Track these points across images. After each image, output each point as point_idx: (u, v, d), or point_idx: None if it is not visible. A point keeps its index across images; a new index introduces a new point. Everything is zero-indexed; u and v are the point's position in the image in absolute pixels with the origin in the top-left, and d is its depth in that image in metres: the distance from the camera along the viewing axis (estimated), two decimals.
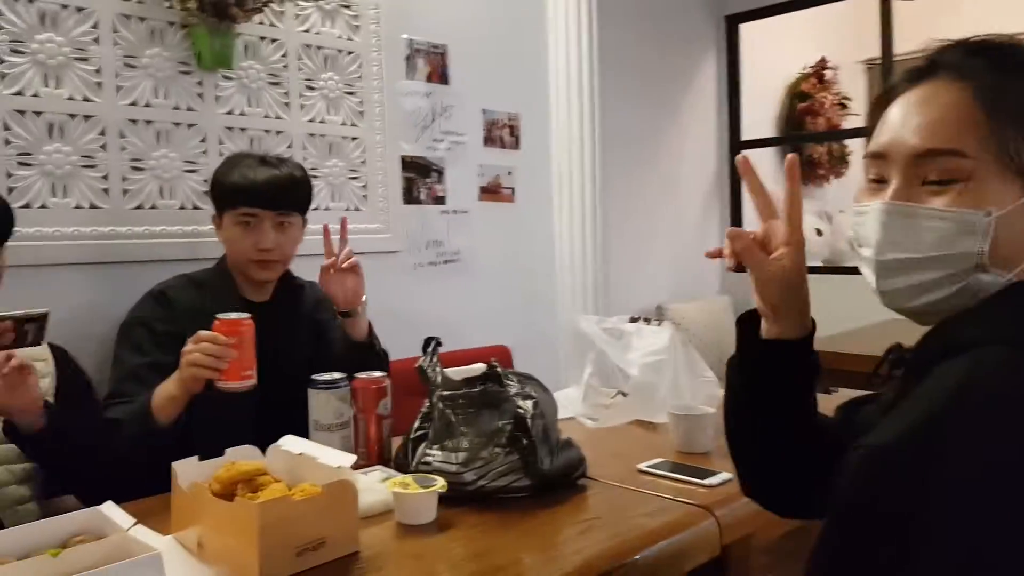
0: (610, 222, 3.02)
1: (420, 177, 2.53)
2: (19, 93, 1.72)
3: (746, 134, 3.85)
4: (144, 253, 1.90)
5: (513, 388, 1.34)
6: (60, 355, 1.49)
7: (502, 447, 1.27)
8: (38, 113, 1.75)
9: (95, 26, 1.83)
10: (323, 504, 1.05)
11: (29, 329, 1.16)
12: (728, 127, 3.84)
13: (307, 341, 1.78)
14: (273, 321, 1.68)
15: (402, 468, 1.36)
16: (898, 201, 0.75)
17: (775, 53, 4.10)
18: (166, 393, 1.41)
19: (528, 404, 1.30)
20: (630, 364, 1.72)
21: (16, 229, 1.40)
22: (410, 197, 2.50)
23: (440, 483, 1.20)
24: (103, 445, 1.37)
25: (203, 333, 1.34)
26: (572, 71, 2.87)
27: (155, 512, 1.19)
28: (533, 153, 2.86)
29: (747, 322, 0.93)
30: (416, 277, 2.52)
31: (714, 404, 1.71)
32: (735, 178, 3.82)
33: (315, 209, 2.09)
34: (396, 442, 1.47)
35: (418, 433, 1.37)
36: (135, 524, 1.01)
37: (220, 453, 1.21)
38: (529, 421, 1.28)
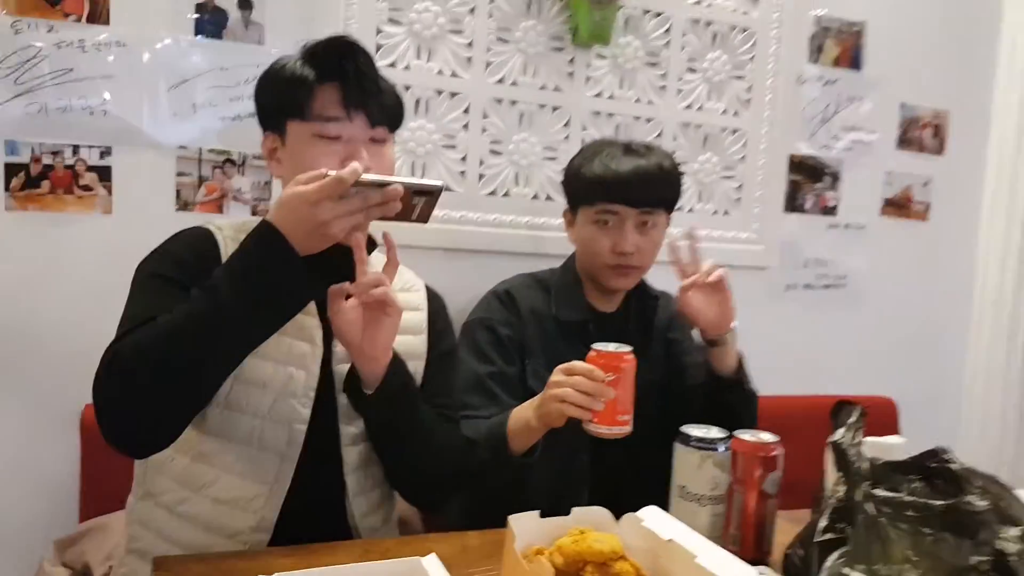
0: None
1: (808, 181, 2.12)
2: (392, 65, 1.65)
3: None
4: (490, 243, 1.78)
5: (979, 502, 0.87)
6: (436, 302, 1.30)
7: None
8: (407, 87, 1.66)
9: None
10: None
11: (418, 203, 0.98)
12: None
13: (658, 364, 1.53)
14: (620, 336, 1.44)
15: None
16: None
17: None
18: (523, 420, 1.24)
19: (1015, 534, 0.83)
20: None
21: None
22: (793, 204, 2.11)
23: None
24: (458, 461, 1.23)
25: (578, 365, 1.14)
26: None
27: (475, 558, 1.02)
28: (961, 161, 2.32)
29: None
30: (786, 301, 2.14)
31: None
32: None
33: (677, 210, 1.80)
34: (780, 529, 1.12)
35: (827, 536, 0.97)
36: None
37: (556, 501, 0.99)
38: (1019, 566, 0.80)
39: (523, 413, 1.25)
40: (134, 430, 0.99)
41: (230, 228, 1.13)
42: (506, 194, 1.79)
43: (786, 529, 1.11)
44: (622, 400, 1.12)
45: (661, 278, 1.57)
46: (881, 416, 2.04)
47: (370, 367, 1.06)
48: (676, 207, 1.51)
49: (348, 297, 1.03)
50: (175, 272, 1.06)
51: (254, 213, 1.58)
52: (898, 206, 2.23)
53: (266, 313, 0.97)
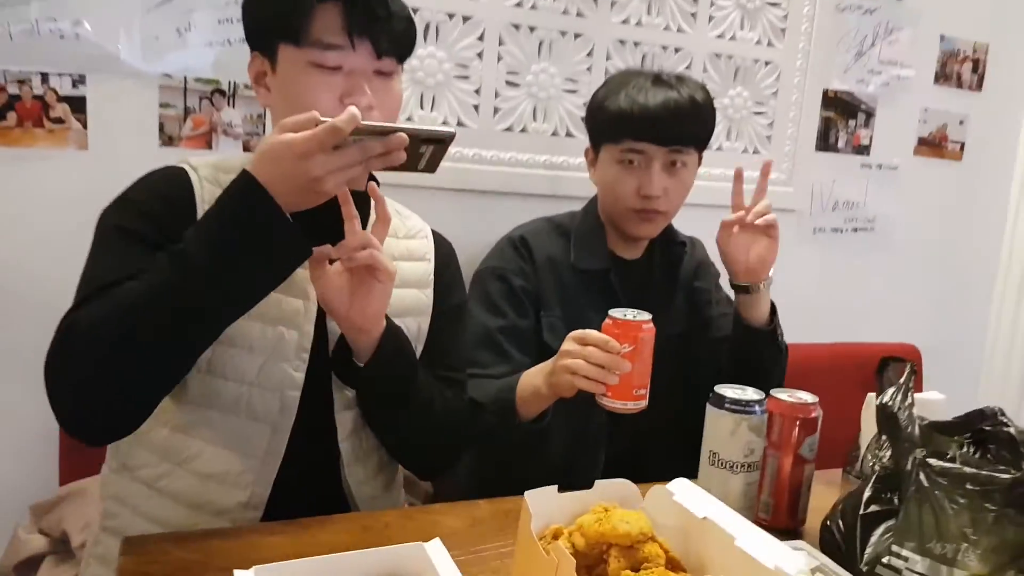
0: None
1: (842, 117, 1.99)
2: None
3: None
4: (504, 184, 1.68)
5: None
6: (444, 249, 1.18)
7: None
8: (415, 10, 1.51)
9: None
10: None
11: (425, 151, 0.88)
12: None
13: (682, 315, 1.45)
14: (643, 286, 1.40)
15: (832, 551, 0.92)
16: None
17: None
18: (532, 387, 1.17)
19: None
20: None
21: None
22: (825, 143, 1.99)
23: None
24: (459, 430, 1.14)
25: (591, 334, 1.05)
26: None
27: (486, 532, 0.94)
28: (999, 99, 2.20)
29: None
30: (814, 244, 2.06)
31: None
32: None
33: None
34: (815, 495, 1.04)
35: (872, 508, 0.90)
36: None
37: (571, 465, 0.99)
38: None
39: (532, 379, 1.17)
40: (90, 415, 0.87)
41: (207, 167, 0.99)
42: (523, 130, 1.68)
43: (817, 492, 1.04)
44: (639, 373, 1.03)
45: (689, 223, 1.48)
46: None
47: (360, 339, 0.95)
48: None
49: (334, 260, 0.92)
50: (140, 224, 0.92)
51: (246, 149, 1.46)
52: (932, 145, 2.13)
53: (244, 281, 0.84)
